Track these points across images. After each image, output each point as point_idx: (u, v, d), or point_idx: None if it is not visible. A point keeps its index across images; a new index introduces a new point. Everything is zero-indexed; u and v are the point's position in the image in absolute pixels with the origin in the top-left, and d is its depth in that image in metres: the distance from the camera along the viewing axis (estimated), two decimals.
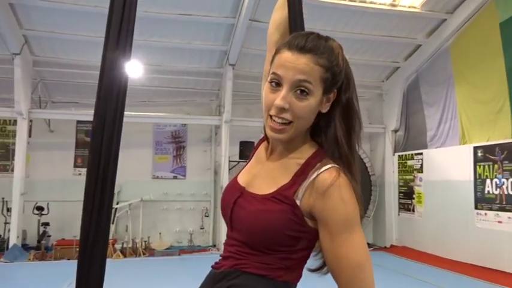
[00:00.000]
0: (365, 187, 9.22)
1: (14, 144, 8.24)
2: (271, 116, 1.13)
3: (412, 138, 9.22)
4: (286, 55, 1.11)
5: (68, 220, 8.38)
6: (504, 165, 6.55)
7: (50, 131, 9.23)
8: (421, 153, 8.56)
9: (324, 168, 1.09)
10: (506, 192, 6.50)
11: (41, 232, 8.27)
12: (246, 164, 1.36)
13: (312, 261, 1.20)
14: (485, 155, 6.91)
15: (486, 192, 6.85)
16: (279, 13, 1.52)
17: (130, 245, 8.25)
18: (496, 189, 6.68)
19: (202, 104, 9.87)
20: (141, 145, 9.22)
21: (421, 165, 8.52)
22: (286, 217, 1.10)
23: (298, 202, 1.10)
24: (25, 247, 8.02)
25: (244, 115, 8.99)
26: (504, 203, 6.52)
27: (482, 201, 6.92)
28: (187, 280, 5.88)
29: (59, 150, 9.14)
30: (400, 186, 9.18)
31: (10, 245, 7.64)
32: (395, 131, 9.47)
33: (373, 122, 9.84)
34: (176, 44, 8.10)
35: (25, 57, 7.88)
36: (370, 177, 9.56)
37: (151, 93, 9.44)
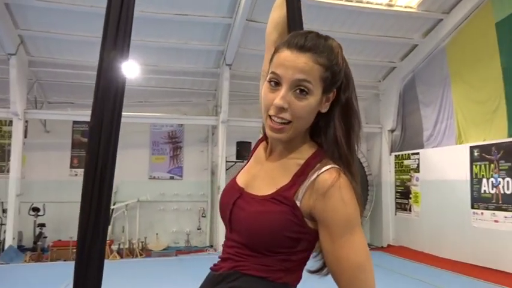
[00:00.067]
0: (362, 187, 9.19)
1: (9, 145, 8.21)
2: (270, 116, 1.11)
3: (408, 138, 9.24)
4: (286, 54, 1.10)
5: (64, 221, 8.32)
6: (500, 164, 6.57)
7: (45, 132, 9.17)
8: (418, 153, 8.58)
9: (324, 168, 1.08)
10: (502, 192, 6.52)
11: (37, 233, 8.21)
12: (245, 165, 1.34)
13: (312, 263, 1.19)
14: (481, 155, 6.93)
15: (482, 191, 6.86)
16: (278, 12, 1.50)
17: (127, 246, 8.21)
18: (492, 189, 6.70)
19: (199, 104, 9.85)
20: (137, 145, 9.18)
21: (418, 165, 8.53)
22: (286, 218, 1.08)
23: (298, 203, 1.09)
24: (21, 248, 7.95)
25: (241, 115, 8.98)
26: (500, 202, 6.54)
27: (478, 200, 6.94)
28: (185, 281, 5.87)
29: (55, 151, 9.10)
30: (396, 186, 9.20)
31: (6, 247, 7.58)
32: (392, 130, 9.49)
33: (369, 121, 9.84)
34: (173, 44, 8.08)
35: (21, 57, 7.83)
36: (366, 177, 9.57)
37: (148, 94, 9.40)
